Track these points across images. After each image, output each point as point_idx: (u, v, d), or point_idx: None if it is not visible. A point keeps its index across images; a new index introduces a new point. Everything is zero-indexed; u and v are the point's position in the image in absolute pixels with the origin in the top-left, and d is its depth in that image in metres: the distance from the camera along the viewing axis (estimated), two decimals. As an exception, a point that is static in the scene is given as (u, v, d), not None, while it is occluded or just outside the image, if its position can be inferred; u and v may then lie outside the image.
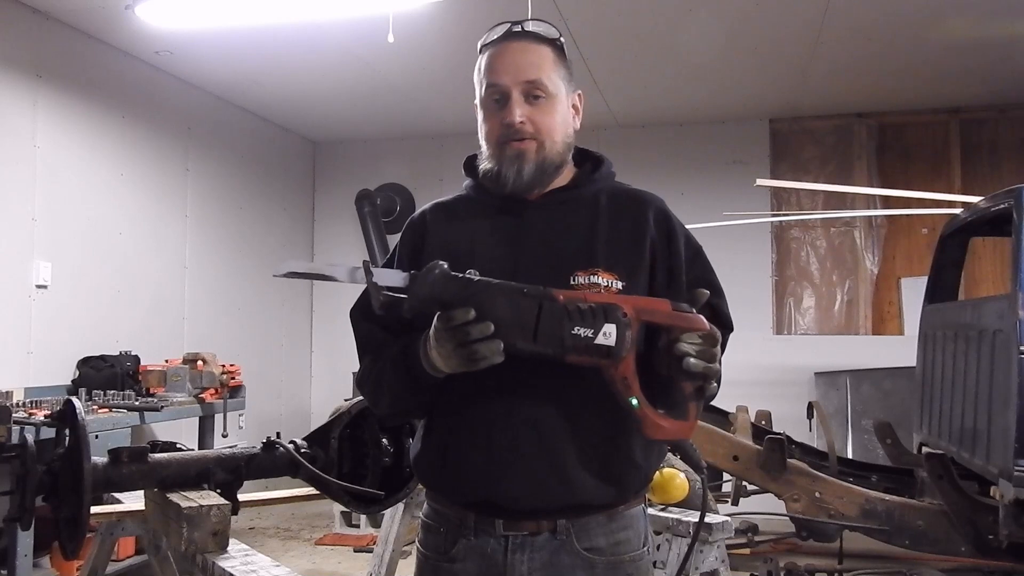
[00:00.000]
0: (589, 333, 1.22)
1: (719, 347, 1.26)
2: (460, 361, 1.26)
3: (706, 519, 2.41)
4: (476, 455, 1.40)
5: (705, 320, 1.26)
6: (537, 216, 1.46)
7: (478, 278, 1.25)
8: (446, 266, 1.25)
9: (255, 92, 5.98)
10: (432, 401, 1.44)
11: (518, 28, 1.46)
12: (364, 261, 1.26)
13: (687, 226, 1.53)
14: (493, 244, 1.45)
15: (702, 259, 1.51)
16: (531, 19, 1.49)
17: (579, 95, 1.52)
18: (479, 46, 1.50)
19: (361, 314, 1.51)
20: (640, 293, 1.42)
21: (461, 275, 1.26)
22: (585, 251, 1.43)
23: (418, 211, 1.58)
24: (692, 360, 1.22)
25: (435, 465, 1.47)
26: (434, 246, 1.48)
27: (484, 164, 1.48)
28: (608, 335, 1.22)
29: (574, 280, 1.39)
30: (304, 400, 7.14)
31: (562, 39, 1.49)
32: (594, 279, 1.39)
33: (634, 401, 1.23)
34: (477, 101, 1.50)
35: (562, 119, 1.46)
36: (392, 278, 1.26)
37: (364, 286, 1.26)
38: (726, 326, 1.47)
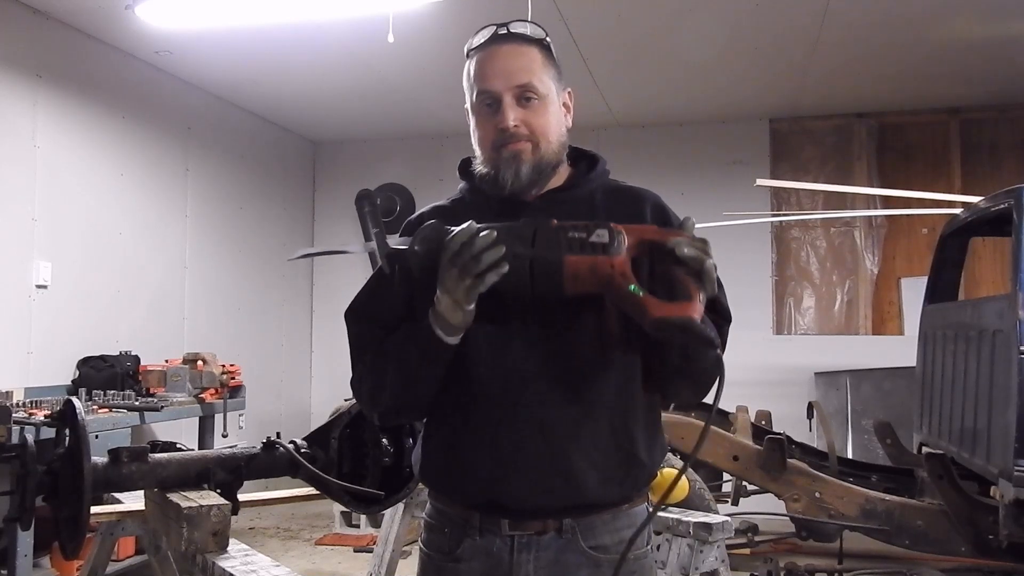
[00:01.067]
0: (583, 235, 1.25)
1: (710, 249, 1.25)
2: (469, 280, 1.25)
3: (706, 519, 2.41)
4: (482, 456, 1.40)
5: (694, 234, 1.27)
6: (534, 216, 1.46)
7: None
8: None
9: (255, 92, 5.98)
10: (434, 399, 1.43)
11: (504, 31, 1.46)
12: (375, 231, 1.31)
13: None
14: None
15: None
16: (517, 20, 1.48)
17: (569, 93, 1.52)
18: (466, 50, 1.50)
19: (357, 315, 1.50)
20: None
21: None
22: None
23: (416, 213, 1.58)
24: (683, 248, 1.22)
25: (440, 467, 1.47)
26: None
27: (480, 168, 1.48)
28: (601, 236, 1.24)
29: None
30: (304, 400, 7.14)
31: (549, 39, 1.49)
32: None
33: (633, 288, 1.22)
34: (468, 106, 1.50)
35: (555, 119, 1.47)
36: (401, 244, 1.34)
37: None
38: (725, 318, 1.47)
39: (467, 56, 1.49)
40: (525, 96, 1.43)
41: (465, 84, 1.50)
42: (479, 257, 1.24)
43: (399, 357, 1.40)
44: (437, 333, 1.33)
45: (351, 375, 1.51)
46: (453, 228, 1.29)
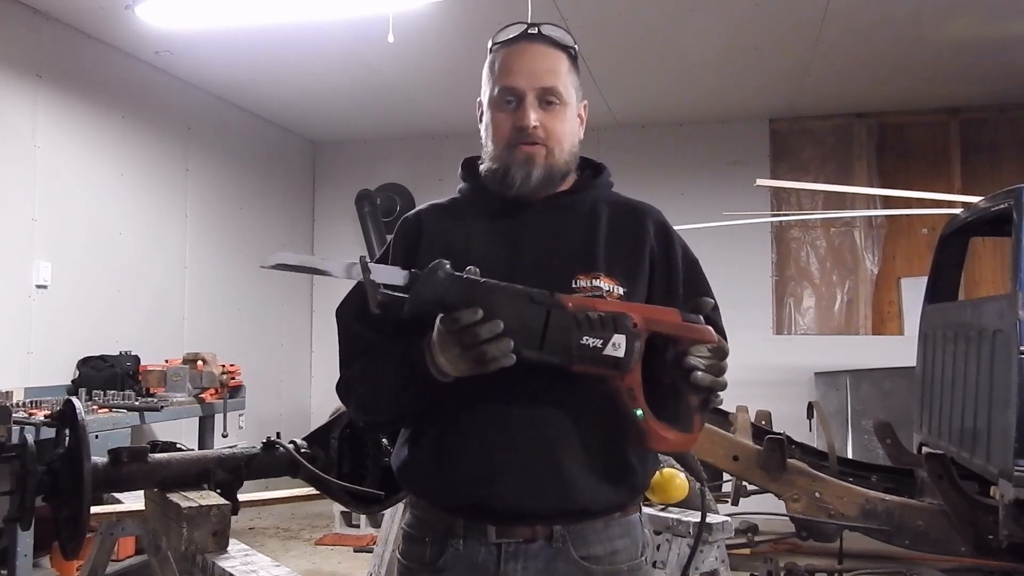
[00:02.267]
0: (598, 343, 1.18)
1: (726, 360, 1.25)
2: (469, 365, 1.23)
3: (706, 519, 2.41)
4: (470, 456, 1.36)
5: (714, 331, 1.24)
6: (535, 218, 1.44)
7: (484, 280, 1.21)
8: (448, 266, 1.20)
9: (255, 92, 5.98)
10: (425, 408, 1.40)
11: (534, 31, 1.44)
12: (361, 257, 1.21)
13: (687, 226, 1.54)
14: (490, 245, 1.42)
15: (698, 271, 1.50)
16: (548, 23, 1.46)
17: (585, 105, 1.51)
18: (491, 43, 1.47)
19: (350, 314, 1.47)
20: (639, 302, 1.39)
21: (465, 275, 1.21)
22: (586, 254, 1.41)
23: (412, 211, 1.55)
24: (700, 374, 1.21)
25: (425, 468, 1.41)
26: (430, 246, 1.44)
27: (489, 163, 1.45)
28: (617, 346, 1.19)
29: (576, 283, 1.37)
30: (304, 400, 7.14)
31: (576, 47, 1.47)
32: (596, 283, 1.37)
33: (639, 412, 1.21)
34: (485, 99, 1.47)
35: (571, 127, 1.45)
36: (391, 275, 1.20)
37: (375, 276, 1.20)
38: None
39: (491, 49, 1.47)
40: (547, 99, 1.41)
41: (485, 76, 1.47)
42: (483, 348, 1.19)
43: (391, 382, 1.37)
44: (433, 373, 1.29)
45: (339, 376, 1.48)
46: (458, 273, 1.20)
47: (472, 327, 1.19)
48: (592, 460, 1.36)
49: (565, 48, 1.45)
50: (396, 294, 1.19)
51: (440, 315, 1.23)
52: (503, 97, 1.42)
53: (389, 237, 1.55)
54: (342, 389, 1.47)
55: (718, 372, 1.23)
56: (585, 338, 1.18)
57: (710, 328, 1.25)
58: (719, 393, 1.25)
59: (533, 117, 1.39)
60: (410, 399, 1.37)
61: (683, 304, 1.36)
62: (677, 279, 1.45)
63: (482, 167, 1.47)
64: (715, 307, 1.42)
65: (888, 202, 6.06)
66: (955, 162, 6.23)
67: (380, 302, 1.18)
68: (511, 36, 1.45)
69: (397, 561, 1.48)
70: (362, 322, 1.43)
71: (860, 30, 4.76)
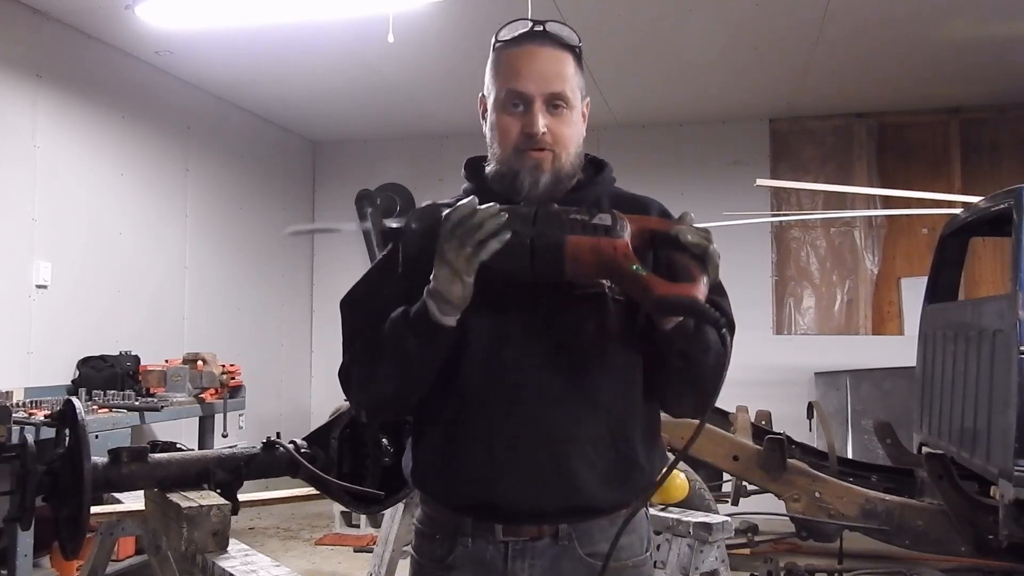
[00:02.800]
0: (586, 217, 1.24)
1: (711, 238, 1.24)
2: (466, 260, 1.24)
3: (706, 519, 2.41)
4: (476, 455, 1.36)
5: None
6: None
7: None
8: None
9: (255, 92, 5.98)
10: (427, 397, 1.39)
11: (540, 28, 1.42)
12: (370, 211, 1.31)
13: None
14: None
15: None
16: (553, 20, 1.44)
17: (587, 103, 1.49)
18: (495, 40, 1.45)
19: (353, 305, 1.47)
20: None
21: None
22: None
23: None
24: (686, 235, 1.22)
25: (433, 468, 1.42)
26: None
27: (496, 166, 1.44)
28: (603, 219, 1.24)
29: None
30: (304, 400, 7.14)
31: (580, 44, 1.45)
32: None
33: (636, 267, 1.22)
34: (490, 99, 1.45)
35: (577, 130, 1.44)
36: (396, 220, 1.35)
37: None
38: (728, 326, 1.46)
39: (495, 47, 1.44)
40: (555, 103, 1.40)
41: (490, 74, 1.45)
42: (481, 224, 1.23)
43: (394, 344, 1.33)
44: (434, 314, 1.28)
45: (340, 363, 1.46)
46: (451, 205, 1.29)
47: (472, 211, 1.24)
48: (598, 459, 1.36)
49: (571, 47, 1.43)
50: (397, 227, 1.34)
51: (442, 216, 1.29)
52: (510, 100, 1.40)
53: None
54: (343, 374, 1.46)
55: (706, 238, 1.23)
56: (574, 215, 1.25)
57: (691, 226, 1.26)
58: (716, 262, 1.23)
59: (542, 123, 1.38)
60: (419, 351, 1.33)
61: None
62: None
63: (488, 169, 1.46)
64: (722, 292, 1.43)
65: (888, 202, 6.06)
66: (955, 162, 6.23)
67: (384, 231, 1.29)
68: (517, 34, 1.42)
69: (411, 556, 1.50)
70: (366, 311, 1.43)
71: (860, 30, 4.76)
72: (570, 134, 1.42)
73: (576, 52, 1.44)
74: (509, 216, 1.24)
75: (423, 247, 1.30)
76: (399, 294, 1.38)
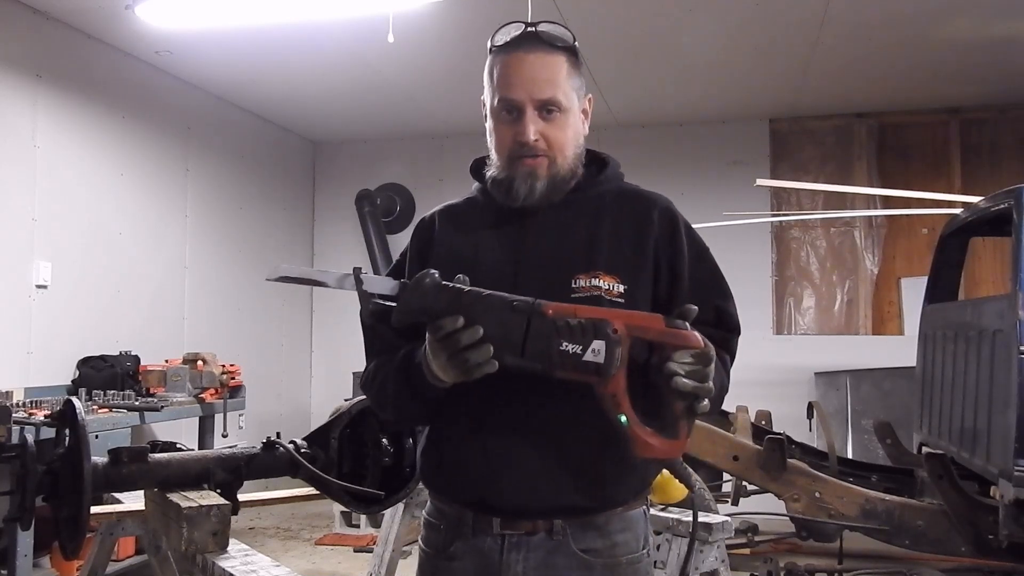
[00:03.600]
0: (577, 349, 1.19)
1: (712, 365, 1.22)
2: (456, 371, 1.26)
3: (706, 519, 2.41)
4: (472, 454, 1.40)
5: (699, 337, 1.21)
6: (540, 220, 1.45)
7: (468, 288, 1.23)
8: (437, 275, 1.23)
9: (255, 92, 5.98)
10: (437, 408, 1.43)
11: (532, 30, 1.41)
12: (355, 268, 1.25)
13: (691, 227, 1.51)
14: (496, 249, 1.45)
15: (707, 260, 1.49)
16: (546, 21, 1.44)
17: (589, 99, 1.49)
18: (490, 45, 1.45)
19: (371, 314, 1.50)
20: (643, 295, 1.41)
21: (451, 284, 1.23)
22: (586, 253, 1.42)
23: (429, 212, 1.58)
24: (681, 380, 1.19)
25: (435, 465, 1.48)
26: (440, 251, 1.48)
27: (493, 173, 1.45)
28: (597, 352, 1.19)
29: (575, 283, 1.38)
30: (304, 400, 7.14)
31: (576, 43, 1.45)
32: (595, 281, 1.38)
33: (623, 419, 1.21)
34: (488, 106, 1.46)
35: (574, 132, 1.44)
36: (382, 286, 1.25)
37: (368, 287, 1.25)
38: (732, 329, 1.47)
39: (491, 50, 1.45)
40: (547, 109, 1.40)
41: (486, 80, 1.46)
42: (466, 356, 1.22)
43: (395, 386, 1.42)
44: (430, 379, 1.33)
45: (364, 369, 1.53)
46: (441, 289, 1.23)
47: (454, 334, 1.21)
48: (592, 458, 1.38)
49: (565, 49, 1.43)
50: (388, 303, 1.24)
51: (428, 324, 1.26)
52: (503, 108, 1.42)
53: (390, 237, 1.57)
54: (362, 384, 1.54)
55: (701, 378, 1.21)
56: (565, 344, 1.19)
57: (695, 334, 1.22)
58: (705, 400, 1.22)
59: (533, 131, 1.39)
60: (412, 404, 1.42)
61: (689, 295, 1.38)
62: (683, 269, 1.44)
63: (487, 175, 1.48)
64: (726, 295, 1.45)
65: (888, 202, 6.06)
66: (955, 162, 6.23)
67: (372, 311, 1.25)
68: (509, 39, 1.42)
69: (419, 547, 1.55)
70: (383, 321, 1.43)
71: (860, 30, 4.76)
72: (564, 138, 1.42)
73: (571, 51, 1.44)
74: (495, 340, 1.21)
75: (411, 320, 1.27)
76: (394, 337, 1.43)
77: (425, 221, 1.56)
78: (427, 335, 1.27)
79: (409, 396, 1.40)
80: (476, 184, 1.55)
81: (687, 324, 1.22)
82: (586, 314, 1.21)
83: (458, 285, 1.24)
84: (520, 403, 1.37)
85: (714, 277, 1.49)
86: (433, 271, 1.24)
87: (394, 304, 1.24)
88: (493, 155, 1.46)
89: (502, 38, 1.43)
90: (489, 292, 1.23)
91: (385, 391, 1.45)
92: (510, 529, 1.41)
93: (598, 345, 1.19)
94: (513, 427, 1.38)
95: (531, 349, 1.20)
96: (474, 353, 1.21)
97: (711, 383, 1.22)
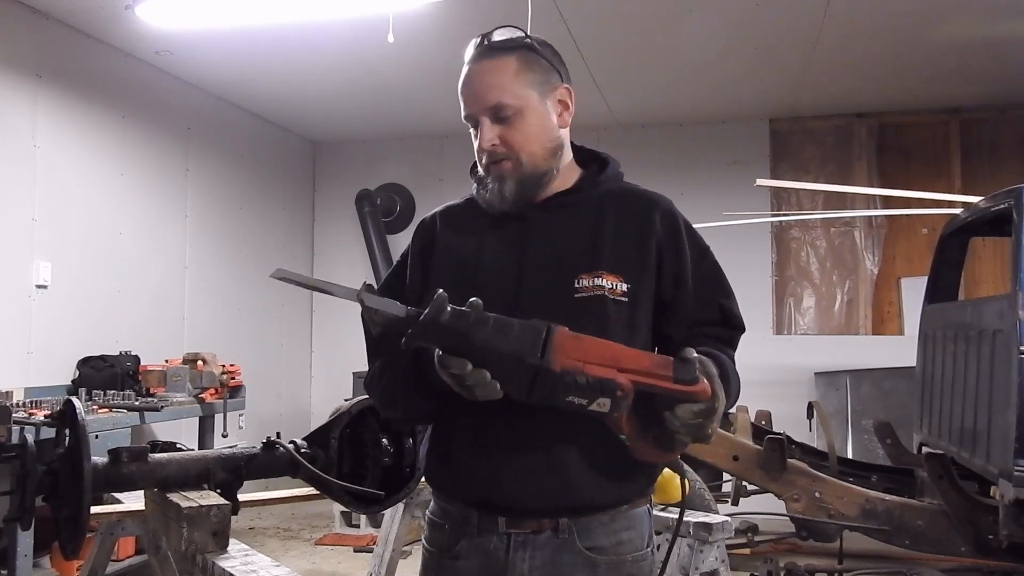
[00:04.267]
0: (583, 402, 1.20)
1: (716, 415, 1.22)
2: (467, 395, 1.26)
3: (706, 519, 2.41)
4: (478, 455, 1.41)
5: (706, 385, 1.20)
6: (541, 220, 1.46)
7: (478, 321, 1.20)
8: (449, 309, 1.19)
9: (255, 92, 5.98)
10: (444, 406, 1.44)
11: (483, 42, 1.45)
12: (364, 283, 1.25)
13: (693, 228, 1.52)
14: (499, 250, 1.46)
15: (709, 259, 1.50)
16: (499, 27, 1.46)
17: (568, 89, 1.49)
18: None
19: (377, 335, 1.50)
20: (646, 294, 1.43)
21: (461, 314, 1.20)
22: (589, 253, 1.43)
23: (430, 213, 1.59)
24: (681, 437, 1.23)
25: (440, 465, 1.49)
26: (442, 252, 1.50)
27: (473, 182, 1.51)
28: (602, 405, 1.20)
29: (579, 283, 1.40)
30: (304, 400, 7.14)
31: (528, 39, 1.46)
32: (599, 281, 1.39)
33: (623, 438, 1.25)
34: None
35: (537, 129, 1.44)
36: (390, 308, 1.23)
37: (360, 286, 1.24)
38: (736, 327, 1.49)
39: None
40: (500, 115, 1.42)
41: None
42: (472, 390, 1.23)
43: (405, 388, 1.43)
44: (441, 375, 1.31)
45: (366, 370, 1.53)
46: (453, 310, 1.20)
47: (463, 377, 1.22)
48: (597, 458, 1.39)
49: (513, 49, 1.44)
50: (395, 324, 1.22)
51: (437, 353, 1.25)
52: (468, 124, 1.47)
53: (390, 237, 1.57)
54: (366, 385, 1.54)
55: (699, 432, 1.22)
56: (571, 397, 1.20)
57: (704, 386, 1.20)
58: (708, 438, 1.25)
59: (487, 139, 1.43)
60: (421, 400, 1.44)
61: (693, 295, 1.43)
62: (686, 270, 1.46)
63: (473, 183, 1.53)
64: (728, 293, 1.47)
65: (888, 202, 6.06)
66: (955, 162, 6.23)
67: (379, 331, 1.26)
68: (467, 55, 1.47)
69: (422, 546, 1.56)
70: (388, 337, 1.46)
71: (860, 30, 4.76)
72: (523, 138, 1.43)
73: (523, 48, 1.45)
74: (503, 382, 1.21)
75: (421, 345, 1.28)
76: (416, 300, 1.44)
77: (426, 222, 1.57)
78: (436, 358, 1.26)
79: (419, 393, 1.41)
80: (475, 186, 1.56)
81: (695, 371, 1.20)
82: (594, 373, 1.19)
83: (467, 321, 1.20)
84: (523, 404, 1.35)
85: (717, 276, 1.50)
86: (444, 298, 1.20)
87: (400, 324, 1.22)
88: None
89: (465, 54, 1.48)
90: (500, 330, 1.20)
91: (392, 389, 1.46)
92: (515, 528, 1.41)
93: (603, 400, 1.20)
94: (518, 426, 1.38)
95: (537, 396, 1.21)
96: (480, 390, 1.22)
97: (711, 430, 1.23)
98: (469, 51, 1.47)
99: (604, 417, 1.22)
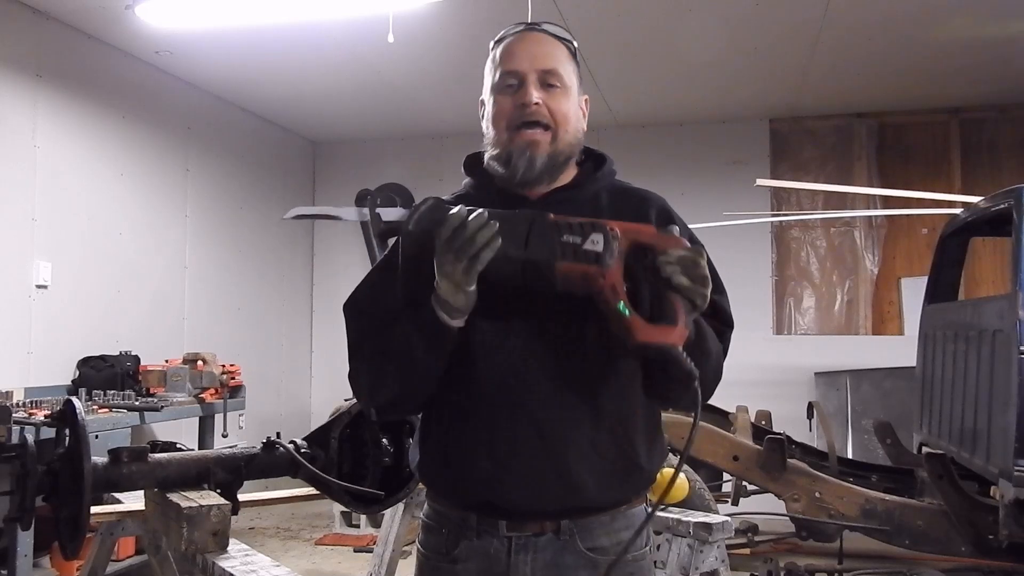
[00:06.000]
0: (577, 240, 1.25)
1: (704, 263, 1.25)
2: (463, 271, 1.26)
3: (706, 519, 2.41)
4: (478, 457, 1.39)
5: (687, 242, 1.27)
6: None
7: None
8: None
9: (255, 92, 5.98)
10: (433, 398, 1.42)
11: (537, 24, 1.48)
12: (369, 198, 1.32)
13: (687, 226, 1.53)
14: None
15: (703, 256, 1.51)
16: (547, 22, 1.50)
17: (586, 100, 1.52)
18: (492, 42, 1.50)
19: (357, 307, 1.48)
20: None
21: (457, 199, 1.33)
22: None
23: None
24: (678, 276, 1.23)
25: (438, 467, 1.46)
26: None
27: (491, 150, 1.45)
28: (596, 242, 1.25)
29: None
30: (304, 400, 7.14)
31: (576, 44, 1.51)
32: None
33: (621, 306, 1.24)
34: (487, 90, 1.48)
35: (575, 113, 1.47)
36: (393, 214, 1.35)
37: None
38: (726, 323, 1.48)
39: (493, 46, 1.49)
40: (549, 82, 1.43)
41: (488, 70, 1.49)
42: (473, 238, 1.24)
43: (401, 346, 1.36)
44: (442, 319, 1.31)
45: (348, 368, 1.47)
46: (450, 207, 1.29)
47: (463, 223, 1.24)
48: (598, 459, 1.39)
49: (565, 41, 1.49)
50: (396, 222, 1.34)
51: (437, 229, 1.29)
52: (504, 81, 1.44)
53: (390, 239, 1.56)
54: (352, 377, 1.46)
55: (694, 271, 1.24)
56: (566, 236, 1.26)
57: (684, 240, 1.27)
58: (703, 296, 1.25)
59: (535, 95, 1.41)
60: (421, 358, 1.36)
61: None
62: None
63: (486, 156, 1.47)
64: (720, 290, 1.45)
65: (888, 202, 6.06)
66: (955, 162, 6.23)
67: (382, 230, 1.30)
68: (509, 31, 1.48)
69: (417, 550, 1.53)
70: (370, 313, 1.45)
71: (860, 30, 4.76)
72: (566, 111, 1.44)
73: (571, 48, 1.49)
74: (500, 227, 1.25)
75: (422, 246, 1.32)
76: (401, 295, 1.41)
77: None
78: (436, 245, 1.28)
79: (421, 349, 1.34)
80: (468, 180, 1.55)
81: (676, 228, 1.29)
82: (583, 220, 1.29)
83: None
84: (524, 405, 1.37)
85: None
86: (436, 198, 1.31)
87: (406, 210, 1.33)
88: (491, 132, 1.46)
89: (504, 33, 1.49)
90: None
91: (386, 359, 1.38)
92: (517, 531, 1.40)
93: (596, 236, 1.25)
94: (518, 430, 1.37)
95: (534, 242, 1.26)
96: (481, 234, 1.23)
97: (707, 280, 1.25)
98: (512, 29, 1.48)
99: (600, 276, 1.23)
